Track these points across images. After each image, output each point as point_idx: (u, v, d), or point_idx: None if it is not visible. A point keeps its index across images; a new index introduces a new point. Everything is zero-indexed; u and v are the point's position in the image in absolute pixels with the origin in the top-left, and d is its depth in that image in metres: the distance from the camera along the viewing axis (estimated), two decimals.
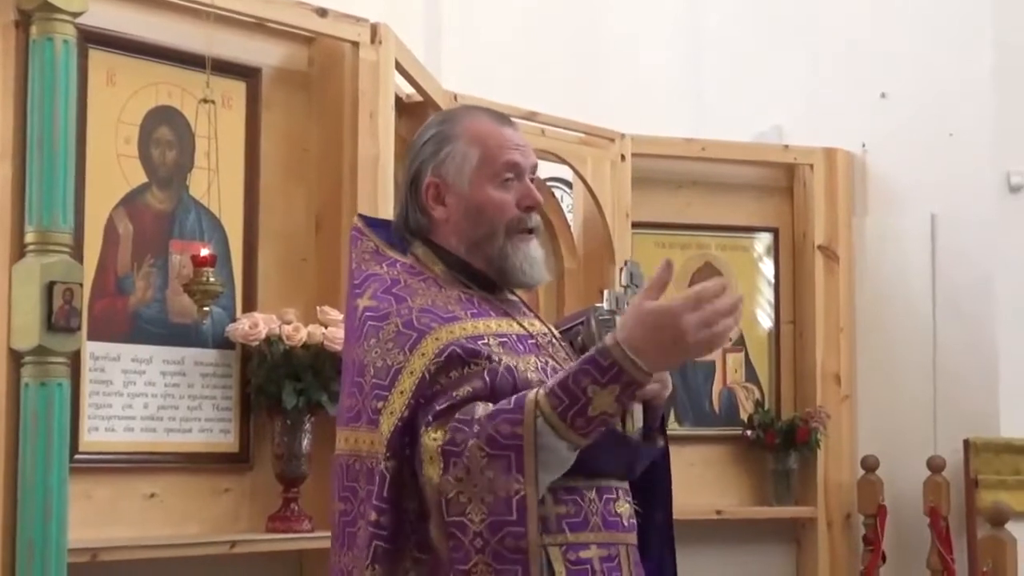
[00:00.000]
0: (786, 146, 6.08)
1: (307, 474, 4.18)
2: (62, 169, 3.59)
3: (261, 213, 4.27)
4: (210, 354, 4.13)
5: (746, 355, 6.01)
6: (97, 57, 3.91)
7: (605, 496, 2.44)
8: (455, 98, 4.94)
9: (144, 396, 3.99)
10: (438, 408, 2.31)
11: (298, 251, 4.37)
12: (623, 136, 5.71)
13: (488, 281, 2.56)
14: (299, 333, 4.12)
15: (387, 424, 2.34)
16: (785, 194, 6.13)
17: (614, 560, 2.42)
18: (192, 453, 4.09)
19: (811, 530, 5.89)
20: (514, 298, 2.61)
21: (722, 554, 5.73)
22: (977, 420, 5.61)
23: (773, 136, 6.24)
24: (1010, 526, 4.94)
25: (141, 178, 4.03)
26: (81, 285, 3.62)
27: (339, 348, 4.02)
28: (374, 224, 2.68)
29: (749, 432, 5.89)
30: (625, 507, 2.47)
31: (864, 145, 6.06)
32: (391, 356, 2.38)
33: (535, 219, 2.57)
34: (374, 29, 4.42)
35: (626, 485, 2.50)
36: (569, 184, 5.98)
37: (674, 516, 2.69)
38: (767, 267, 6.07)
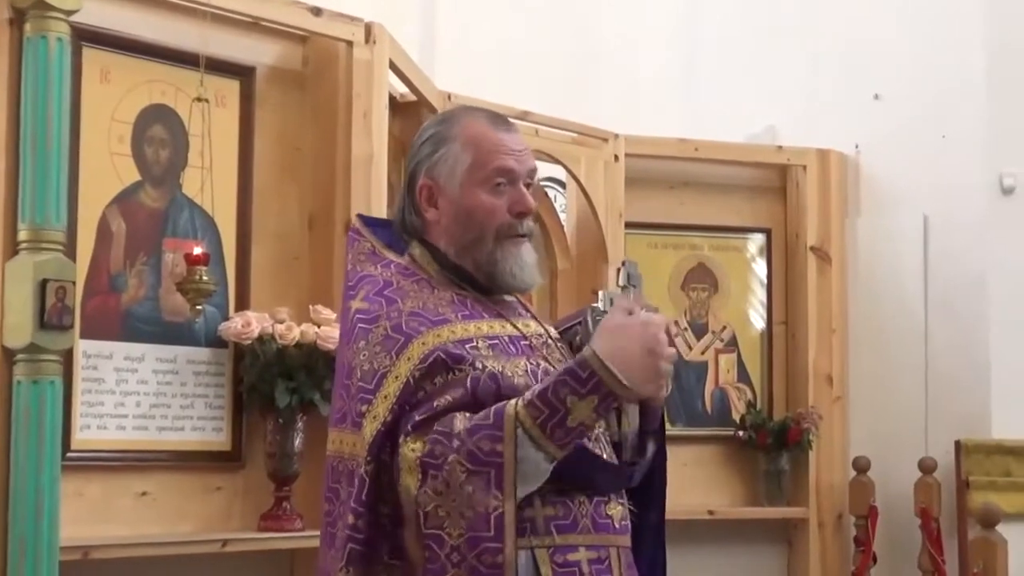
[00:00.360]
0: (779, 147, 6.09)
1: (299, 473, 4.18)
2: (55, 167, 3.58)
3: (254, 212, 4.27)
4: (203, 353, 4.14)
5: (738, 355, 6.02)
6: (91, 55, 3.91)
7: (596, 498, 2.43)
8: (449, 98, 4.94)
9: (136, 394, 3.99)
10: (418, 418, 2.32)
11: (291, 250, 4.38)
12: (616, 136, 5.71)
13: (480, 283, 2.56)
14: (292, 332, 4.12)
15: (370, 428, 2.34)
16: (778, 195, 6.13)
17: (604, 563, 2.42)
18: (184, 451, 4.09)
19: (802, 530, 5.90)
20: (510, 299, 2.61)
21: (714, 554, 5.73)
22: (968, 421, 5.62)
23: (766, 137, 6.24)
24: (1001, 527, 4.95)
25: (134, 176, 4.03)
26: (74, 283, 3.61)
27: (332, 347, 4.03)
28: (374, 224, 2.67)
29: (741, 432, 5.90)
30: (617, 509, 2.47)
31: (857, 146, 6.07)
32: (378, 360, 2.38)
33: (527, 225, 2.55)
34: (368, 28, 4.42)
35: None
36: (562, 184, 5.98)
37: (666, 516, 2.70)
38: (760, 268, 6.08)
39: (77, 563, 3.65)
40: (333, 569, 2.37)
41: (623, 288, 2.56)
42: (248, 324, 4.09)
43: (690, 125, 6.22)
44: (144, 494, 4.00)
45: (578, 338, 2.59)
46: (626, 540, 2.49)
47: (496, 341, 2.46)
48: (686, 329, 5.96)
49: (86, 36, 3.85)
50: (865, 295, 5.99)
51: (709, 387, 5.98)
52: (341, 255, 4.22)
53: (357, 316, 2.46)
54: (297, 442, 4.17)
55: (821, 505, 5.89)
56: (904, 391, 5.81)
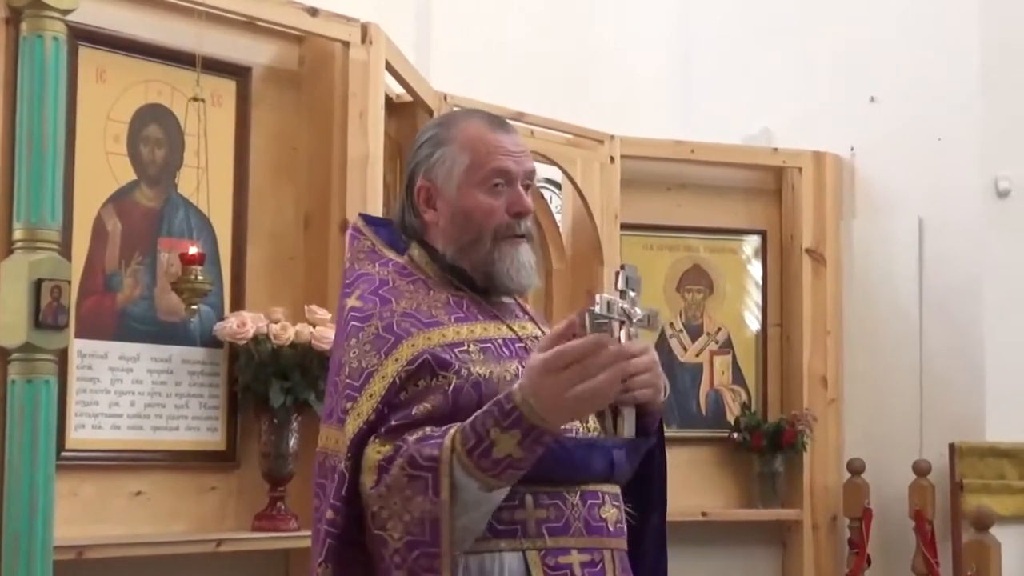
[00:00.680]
0: (775, 149, 6.10)
1: (294, 473, 4.18)
2: (51, 166, 3.58)
3: (250, 212, 4.27)
4: (198, 352, 4.13)
5: (733, 357, 6.02)
6: (87, 54, 3.91)
7: (589, 501, 2.42)
8: (445, 98, 4.94)
9: (131, 394, 3.99)
10: (393, 423, 2.32)
11: (287, 250, 4.37)
12: (612, 138, 5.72)
13: (477, 284, 2.56)
14: (287, 332, 4.12)
15: (352, 425, 2.35)
16: (773, 197, 6.14)
17: (597, 565, 2.41)
18: (179, 451, 4.09)
19: (797, 532, 5.90)
20: (508, 300, 2.61)
21: (708, 556, 5.73)
22: (963, 424, 5.63)
23: (762, 139, 6.25)
24: (995, 530, 4.96)
25: (130, 176, 4.03)
26: (69, 282, 3.61)
27: (326, 347, 4.03)
28: (377, 223, 2.68)
29: (736, 434, 5.90)
30: (612, 511, 2.46)
31: (852, 149, 6.08)
32: (367, 359, 2.39)
33: (525, 225, 2.55)
34: (364, 29, 4.42)
35: (614, 490, 2.49)
36: (558, 185, 5.98)
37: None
38: (755, 269, 6.09)
39: (71, 563, 3.65)
40: (313, 565, 2.39)
41: (622, 293, 2.56)
42: (243, 324, 4.09)
43: (686, 127, 6.23)
44: (138, 494, 4.00)
45: None
46: (621, 543, 2.48)
47: (488, 344, 2.46)
48: (681, 331, 5.97)
49: (82, 35, 3.85)
50: (860, 297, 6.00)
51: (704, 389, 5.98)
52: (337, 255, 4.24)
53: (351, 314, 2.47)
54: (292, 442, 4.17)
55: (815, 507, 5.89)
56: (898, 393, 5.82)
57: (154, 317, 4.04)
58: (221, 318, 4.15)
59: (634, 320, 2.51)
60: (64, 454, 3.76)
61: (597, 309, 2.50)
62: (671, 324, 5.90)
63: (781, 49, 6.27)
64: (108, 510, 3.92)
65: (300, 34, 4.39)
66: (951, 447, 5.59)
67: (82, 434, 3.87)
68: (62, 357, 3.69)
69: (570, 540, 2.39)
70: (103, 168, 3.96)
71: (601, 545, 2.43)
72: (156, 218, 4.08)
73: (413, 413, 2.33)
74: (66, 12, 3.62)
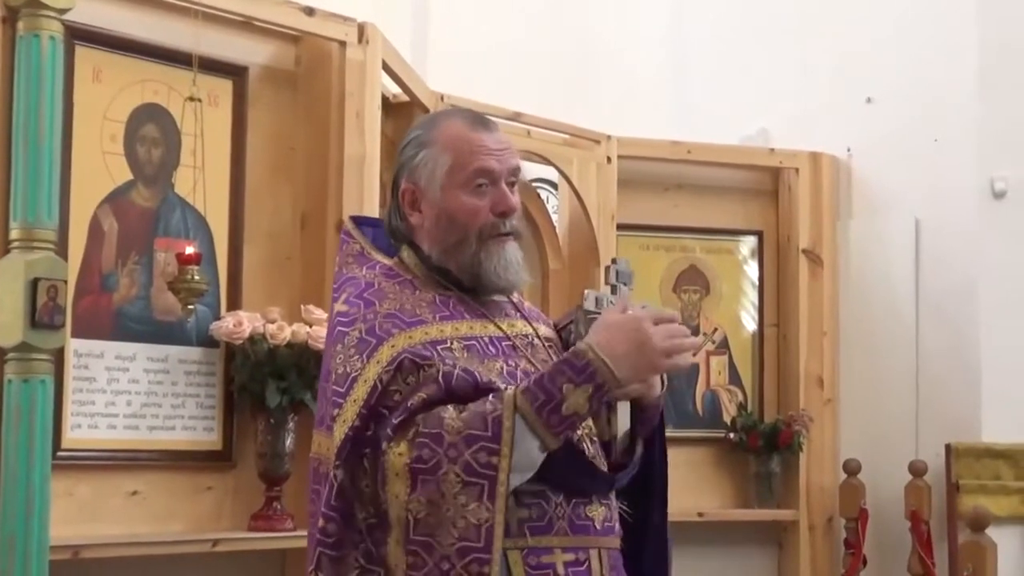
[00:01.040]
0: (772, 149, 6.10)
1: (290, 473, 4.18)
2: (47, 166, 3.57)
3: (247, 211, 4.27)
4: (194, 352, 4.13)
5: (729, 358, 6.02)
6: (84, 54, 3.90)
7: (575, 500, 2.43)
8: (441, 98, 4.94)
9: (127, 394, 3.99)
10: (396, 421, 2.32)
11: (283, 250, 4.37)
12: (609, 138, 5.72)
13: (465, 284, 2.55)
14: (283, 332, 4.12)
15: (339, 432, 2.35)
16: (770, 197, 6.14)
17: (583, 565, 2.41)
18: (175, 451, 4.08)
19: (793, 533, 5.91)
20: (500, 299, 2.60)
21: (704, 556, 5.73)
22: (959, 425, 5.63)
23: (759, 139, 6.25)
24: (991, 531, 4.96)
25: (127, 175, 4.03)
26: (65, 282, 3.60)
27: (322, 347, 4.01)
28: (368, 224, 2.68)
29: (732, 435, 5.91)
30: (600, 510, 2.46)
31: (849, 149, 6.08)
32: (351, 363, 2.39)
33: (510, 223, 2.54)
34: (361, 29, 4.42)
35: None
36: (555, 185, 5.98)
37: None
38: (751, 270, 6.09)
39: (67, 562, 3.64)
40: (306, 571, 2.38)
41: (612, 286, 2.57)
42: (239, 324, 4.09)
43: (682, 127, 6.23)
44: (135, 493, 4.00)
45: (572, 337, 2.59)
46: (610, 541, 2.48)
47: (473, 342, 2.46)
48: None
49: (79, 35, 3.85)
50: (856, 298, 6.00)
51: (700, 389, 5.98)
52: (333, 255, 4.20)
53: (337, 319, 2.47)
54: (288, 442, 4.16)
55: (811, 507, 5.89)
56: (895, 394, 5.82)
57: (150, 317, 4.04)
58: (217, 318, 4.15)
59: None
60: (60, 454, 3.75)
61: (586, 305, 2.52)
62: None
63: (778, 50, 6.27)
64: (104, 510, 3.92)
65: (297, 34, 4.38)
66: (947, 448, 5.60)
67: (78, 434, 3.87)
68: (58, 357, 3.69)
69: (552, 539, 2.39)
70: (99, 168, 3.96)
71: (587, 544, 2.43)
72: (152, 218, 4.07)
73: (409, 405, 2.32)
74: (63, 11, 3.60)
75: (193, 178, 4.10)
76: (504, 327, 2.54)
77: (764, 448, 5.82)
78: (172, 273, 3.99)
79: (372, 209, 4.32)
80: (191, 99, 4.04)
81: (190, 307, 3.97)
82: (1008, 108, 5.67)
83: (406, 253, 2.57)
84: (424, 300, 2.49)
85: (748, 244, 6.09)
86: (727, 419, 5.96)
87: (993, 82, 5.69)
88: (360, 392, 2.35)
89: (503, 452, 2.28)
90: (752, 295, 6.07)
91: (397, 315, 2.43)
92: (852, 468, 5.77)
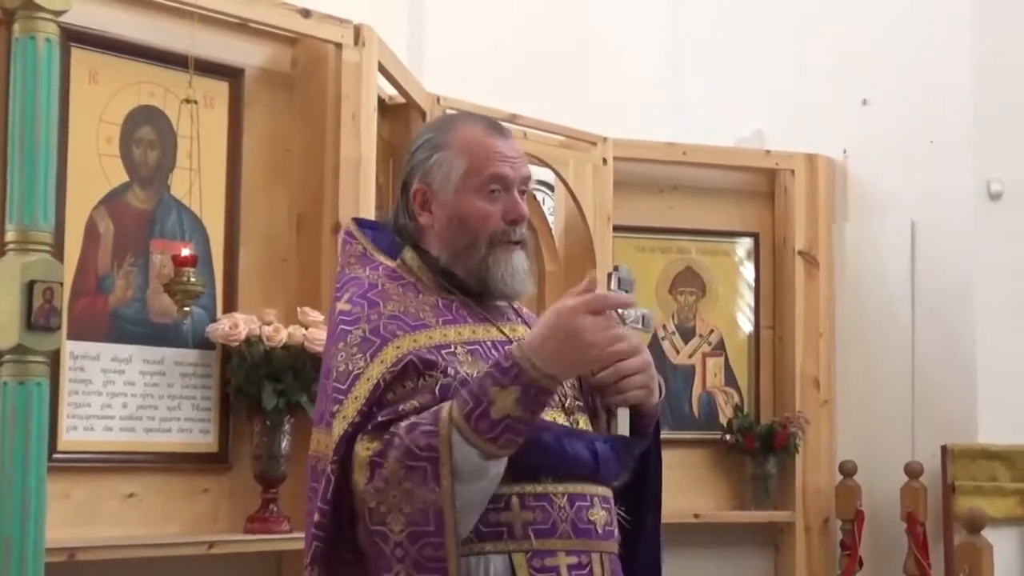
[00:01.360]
0: (767, 151, 6.10)
1: (286, 475, 4.18)
2: (43, 168, 3.57)
3: (243, 213, 4.27)
4: (190, 354, 4.13)
5: (726, 359, 6.03)
6: (80, 56, 3.90)
7: (577, 503, 2.42)
8: (438, 100, 4.94)
9: (123, 396, 3.98)
10: (380, 419, 2.32)
11: (279, 252, 4.37)
12: (605, 139, 5.72)
13: (470, 288, 2.56)
14: (279, 334, 4.12)
15: (338, 428, 2.35)
16: (766, 199, 6.14)
17: (585, 568, 2.40)
18: (171, 453, 4.08)
19: (789, 534, 5.91)
20: (502, 303, 2.60)
21: (700, 558, 5.74)
22: (955, 426, 5.64)
23: (755, 141, 6.26)
24: (987, 532, 4.95)
25: (122, 177, 4.02)
26: (61, 284, 3.60)
27: (319, 349, 4.02)
28: (369, 226, 2.67)
29: (728, 436, 5.91)
30: (601, 514, 2.46)
31: (845, 151, 6.08)
32: (353, 361, 2.39)
33: (520, 232, 2.55)
34: (357, 31, 4.42)
35: (604, 492, 2.48)
36: (551, 187, 5.99)
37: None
38: (748, 271, 6.09)
39: (63, 565, 3.64)
40: (303, 566, 2.39)
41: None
42: (236, 326, 4.09)
43: (678, 129, 6.24)
44: (131, 496, 3.99)
45: None
46: (611, 546, 2.48)
47: (476, 346, 2.46)
48: (674, 333, 5.97)
49: (75, 37, 3.85)
50: (852, 299, 6.00)
51: (696, 391, 5.98)
52: (329, 257, 4.24)
53: (340, 317, 2.47)
54: (284, 444, 4.16)
55: (807, 509, 5.90)
56: (891, 395, 5.82)
57: (146, 319, 4.04)
58: (213, 320, 4.15)
59: (627, 321, 2.52)
60: (56, 456, 3.75)
61: None
62: (663, 326, 5.90)
63: (774, 51, 6.28)
64: (100, 512, 3.92)
65: (293, 36, 4.38)
66: (943, 449, 5.60)
67: (74, 436, 3.87)
68: (54, 359, 3.68)
69: (557, 542, 2.39)
70: (95, 170, 3.96)
71: (589, 548, 2.42)
72: (148, 220, 4.07)
73: (400, 409, 2.32)
74: (59, 13, 3.60)
75: (189, 180, 4.10)
76: (507, 331, 2.54)
77: (760, 450, 5.82)
78: (168, 275, 3.99)
79: (368, 211, 4.32)
80: (187, 101, 4.04)
81: (186, 309, 3.97)
82: (1004, 110, 5.68)
83: (409, 255, 2.57)
84: (427, 304, 2.49)
85: (744, 245, 6.10)
86: (723, 421, 5.96)
87: (989, 84, 5.69)
88: (362, 390, 2.35)
89: (440, 422, 2.26)
90: (748, 297, 6.08)
91: (401, 317, 2.44)
92: (848, 469, 5.78)
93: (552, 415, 2.43)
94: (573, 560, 2.40)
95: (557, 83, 6.16)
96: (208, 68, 4.14)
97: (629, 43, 6.64)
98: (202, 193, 4.11)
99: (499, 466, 2.30)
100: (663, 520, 2.67)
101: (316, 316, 4.16)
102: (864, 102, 5.99)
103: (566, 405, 2.48)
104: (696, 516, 5.78)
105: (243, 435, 4.21)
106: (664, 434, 2.71)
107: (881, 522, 5.74)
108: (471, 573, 2.33)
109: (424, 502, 2.26)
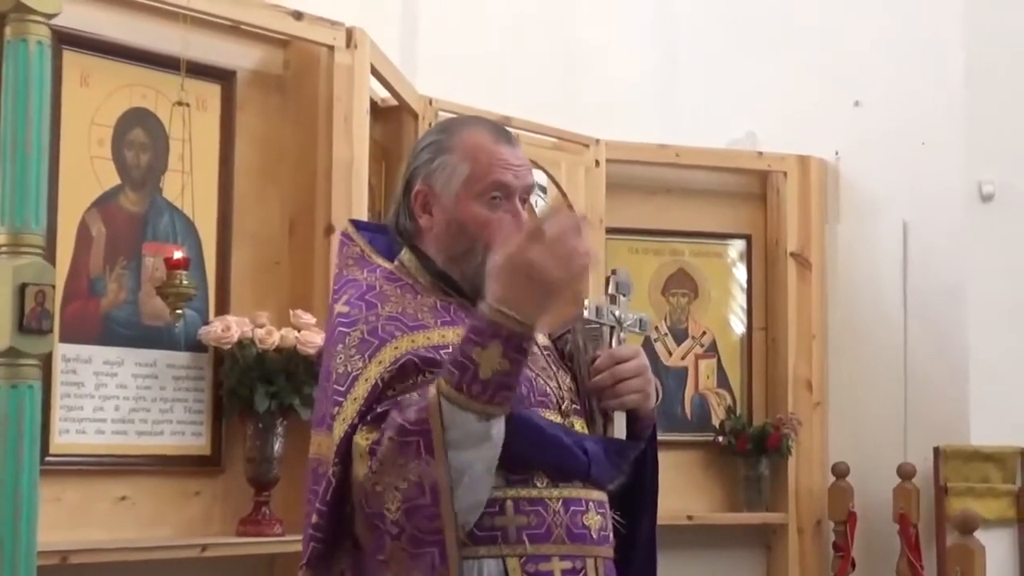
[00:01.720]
0: (760, 153, 6.11)
1: (279, 478, 4.17)
2: (35, 170, 3.56)
3: (235, 216, 4.27)
4: (182, 357, 4.13)
5: (718, 361, 6.03)
6: (71, 58, 3.90)
7: (572, 508, 2.41)
8: (430, 103, 4.95)
9: (116, 398, 3.98)
10: (378, 411, 2.31)
11: (272, 254, 4.37)
12: (597, 142, 5.72)
13: (466, 292, 2.55)
14: (272, 336, 4.12)
15: (339, 430, 2.34)
16: (758, 201, 6.15)
17: (580, 573, 2.39)
18: (163, 456, 4.08)
19: (782, 536, 5.91)
20: None
21: (693, 559, 5.73)
22: (947, 428, 5.64)
23: (747, 143, 6.26)
24: (979, 534, 4.97)
25: (114, 180, 4.02)
26: (53, 287, 3.58)
27: (312, 352, 4.04)
28: (367, 228, 2.67)
29: (721, 438, 5.91)
30: (596, 519, 2.45)
31: (837, 153, 6.09)
32: (352, 363, 2.38)
33: None
34: (349, 33, 4.42)
35: (599, 497, 2.48)
36: (543, 189, 5.98)
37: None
38: (740, 273, 6.09)
39: (55, 568, 3.63)
40: (299, 567, 2.39)
41: (612, 298, 2.56)
42: (228, 328, 4.08)
43: (671, 131, 6.23)
44: (123, 499, 3.99)
45: (568, 347, 2.58)
46: (606, 551, 2.47)
47: None
48: (666, 334, 5.98)
49: (66, 39, 3.84)
50: (845, 301, 6.01)
51: (689, 392, 5.99)
52: (322, 259, 4.24)
53: (338, 319, 2.47)
54: (277, 447, 4.16)
55: (800, 511, 5.90)
56: (883, 397, 5.83)
57: (139, 321, 4.04)
58: (206, 322, 4.15)
59: (624, 325, 2.52)
60: (48, 459, 3.74)
61: (587, 314, 2.50)
62: (656, 328, 5.91)
63: (766, 53, 6.28)
64: (92, 515, 3.91)
65: (285, 38, 4.38)
66: (935, 450, 5.61)
67: (66, 439, 3.87)
68: (46, 362, 3.67)
69: (551, 547, 2.38)
70: (87, 172, 3.96)
71: (584, 553, 2.42)
72: (141, 222, 4.07)
73: (399, 400, 2.31)
74: (50, 16, 3.59)
75: (181, 183, 4.10)
76: None
77: (753, 451, 5.82)
78: (160, 278, 3.99)
79: (360, 213, 4.32)
80: (179, 104, 4.04)
81: (178, 312, 3.96)
82: (995, 111, 5.69)
83: (407, 256, 2.56)
84: (425, 305, 2.48)
85: (736, 247, 6.10)
86: (716, 422, 5.97)
87: (981, 86, 5.70)
88: (360, 391, 2.34)
89: (431, 409, 2.24)
90: (740, 298, 6.08)
91: (399, 318, 2.43)
92: (841, 471, 5.78)
93: (548, 417, 2.43)
94: (567, 565, 2.39)
95: (549, 85, 6.16)
96: (200, 70, 4.14)
97: (621, 45, 6.64)
98: (194, 195, 4.11)
99: (499, 426, 2.28)
100: (658, 522, 2.67)
101: (308, 318, 4.16)
102: (856, 104, 5.99)
103: (562, 408, 2.47)
104: (689, 518, 5.78)
105: (235, 438, 4.21)
106: (657, 436, 2.70)
107: (874, 524, 5.75)
108: None
109: (419, 475, 2.23)
